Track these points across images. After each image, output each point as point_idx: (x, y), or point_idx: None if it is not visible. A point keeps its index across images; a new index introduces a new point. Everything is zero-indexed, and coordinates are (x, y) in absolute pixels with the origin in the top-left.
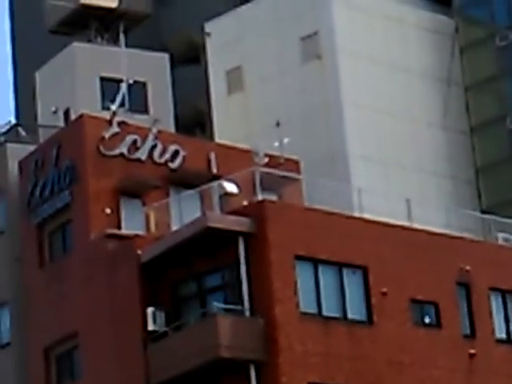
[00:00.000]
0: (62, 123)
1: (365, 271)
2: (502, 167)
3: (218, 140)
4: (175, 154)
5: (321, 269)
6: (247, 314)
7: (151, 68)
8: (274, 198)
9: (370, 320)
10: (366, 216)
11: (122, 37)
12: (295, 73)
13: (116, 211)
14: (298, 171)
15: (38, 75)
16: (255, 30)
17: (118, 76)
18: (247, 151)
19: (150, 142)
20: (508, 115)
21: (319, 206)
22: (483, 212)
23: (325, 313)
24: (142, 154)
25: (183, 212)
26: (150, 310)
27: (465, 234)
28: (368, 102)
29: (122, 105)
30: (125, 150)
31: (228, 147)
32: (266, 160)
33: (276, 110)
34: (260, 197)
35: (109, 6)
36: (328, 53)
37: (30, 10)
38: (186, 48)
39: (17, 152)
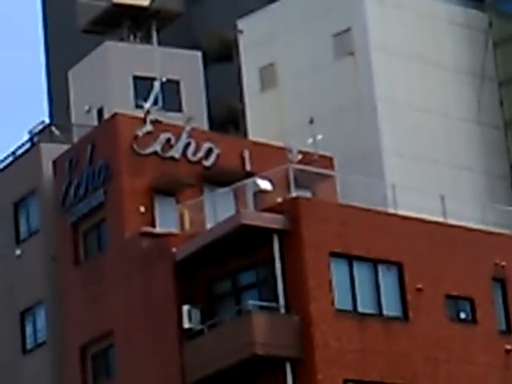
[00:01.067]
0: (95, 122)
1: (400, 267)
2: None
3: (251, 137)
4: (209, 151)
5: (356, 265)
6: (282, 311)
7: (184, 66)
8: (308, 194)
9: (405, 316)
10: (401, 212)
11: (154, 35)
12: (328, 69)
13: (150, 209)
14: (331, 168)
15: (70, 75)
16: (288, 27)
17: (151, 74)
18: (281, 148)
19: (183, 140)
20: None
21: (353, 202)
22: None
23: (360, 309)
24: (175, 152)
25: (217, 210)
26: (185, 307)
27: (500, 230)
28: (401, 97)
29: (155, 103)
30: (158, 149)
31: (262, 144)
32: (300, 157)
33: (309, 107)
34: (294, 194)
35: (141, 4)
36: (361, 49)
37: (62, 9)
38: (218, 46)
39: (51, 152)
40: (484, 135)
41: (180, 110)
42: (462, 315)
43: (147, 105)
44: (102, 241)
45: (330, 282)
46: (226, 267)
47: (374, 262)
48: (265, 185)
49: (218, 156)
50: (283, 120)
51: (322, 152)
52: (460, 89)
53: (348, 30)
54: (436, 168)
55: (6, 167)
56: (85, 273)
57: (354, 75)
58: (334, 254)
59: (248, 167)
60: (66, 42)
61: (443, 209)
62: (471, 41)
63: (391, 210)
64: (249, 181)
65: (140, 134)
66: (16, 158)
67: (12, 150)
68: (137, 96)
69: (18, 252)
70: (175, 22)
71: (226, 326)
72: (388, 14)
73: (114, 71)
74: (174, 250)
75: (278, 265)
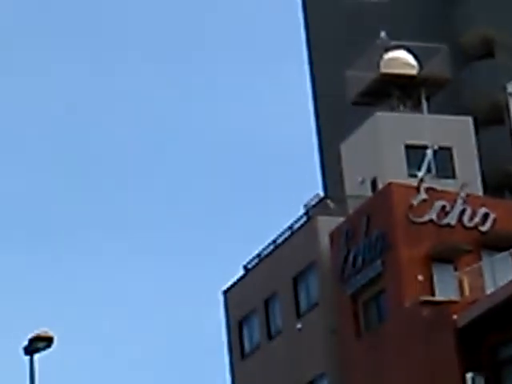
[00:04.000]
0: (369, 193)
1: None
2: None
3: None
4: (485, 217)
5: None
6: None
7: (455, 132)
8: None
9: None
10: None
11: (424, 103)
12: None
13: (429, 278)
14: None
15: (343, 147)
16: None
17: (422, 143)
18: None
19: (459, 207)
20: None
21: None
22: None
23: None
24: (451, 219)
25: (496, 275)
26: (469, 375)
27: None
28: None
29: (428, 171)
30: (434, 216)
31: None
32: None
33: None
34: None
35: (409, 73)
36: None
37: (331, 83)
38: (488, 109)
39: (327, 224)
40: None
41: (453, 176)
42: None
43: (421, 173)
44: (382, 311)
45: None
46: (510, 332)
47: None
48: None
49: (494, 221)
50: None
51: None
52: None
53: None
54: None
55: (283, 242)
56: (366, 344)
57: None
58: None
59: None
60: (336, 115)
61: None
62: None
63: None
64: None
65: (415, 202)
66: (293, 233)
67: (288, 224)
68: (409, 165)
69: (298, 326)
70: (444, 89)
71: None
72: None
73: (386, 141)
74: (455, 317)
75: None
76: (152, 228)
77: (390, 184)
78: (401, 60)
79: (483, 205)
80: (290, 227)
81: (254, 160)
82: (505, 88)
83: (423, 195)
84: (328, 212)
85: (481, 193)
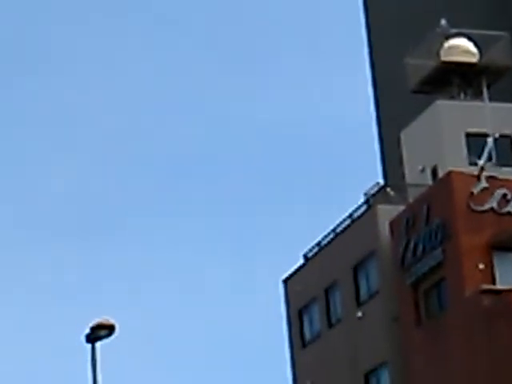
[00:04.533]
0: (429, 181)
1: None
2: None
3: None
4: None
5: None
6: None
7: None
8: None
9: None
10: None
11: (485, 91)
12: None
13: (489, 266)
14: None
15: (403, 135)
16: None
17: (483, 131)
18: None
19: None
20: None
21: None
22: None
23: None
24: None
25: None
26: None
27: None
28: None
29: (489, 159)
30: (495, 205)
31: None
32: None
33: None
34: None
35: (470, 60)
36: None
37: (391, 71)
38: None
39: (387, 212)
40: None
41: None
42: None
43: (481, 161)
44: (443, 300)
45: None
46: None
47: None
48: None
49: None
50: None
51: None
52: None
53: None
54: None
55: (343, 230)
56: (427, 333)
57: None
58: None
59: None
60: (396, 103)
61: None
62: None
63: None
64: None
65: (475, 191)
66: (353, 221)
67: (348, 212)
68: (470, 153)
69: (359, 314)
70: (505, 77)
71: None
72: None
73: (446, 130)
74: None
75: None
76: (211, 216)
77: (450, 172)
78: (461, 48)
79: None
80: (350, 216)
81: (315, 149)
82: None
83: (484, 183)
84: (388, 200)
85: None
